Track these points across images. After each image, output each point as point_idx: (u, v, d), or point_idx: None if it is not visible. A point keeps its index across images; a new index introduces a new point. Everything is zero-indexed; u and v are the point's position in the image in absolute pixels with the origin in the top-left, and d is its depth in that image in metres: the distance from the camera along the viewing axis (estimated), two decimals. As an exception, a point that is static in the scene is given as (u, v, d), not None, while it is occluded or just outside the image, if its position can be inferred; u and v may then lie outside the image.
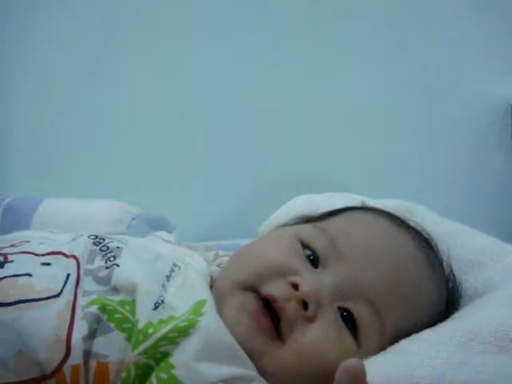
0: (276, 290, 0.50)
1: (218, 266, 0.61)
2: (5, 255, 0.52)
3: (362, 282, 0.52)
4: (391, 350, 0.51)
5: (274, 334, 0.50)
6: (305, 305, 0.50)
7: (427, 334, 0.52)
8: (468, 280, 0.61)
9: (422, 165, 1.30)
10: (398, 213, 0.63)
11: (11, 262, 0.51)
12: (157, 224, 0.79)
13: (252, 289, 0.51)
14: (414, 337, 0.52)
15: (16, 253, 0.53)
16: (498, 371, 0.46)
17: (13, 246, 0.55)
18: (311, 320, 0.50)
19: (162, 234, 0.68)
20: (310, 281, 0.51)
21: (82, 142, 1.26)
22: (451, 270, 0.61)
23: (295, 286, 0.50)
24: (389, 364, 0.49)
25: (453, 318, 0.54)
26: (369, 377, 0.46)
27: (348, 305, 0.52)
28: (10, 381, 0.45)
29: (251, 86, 1.27)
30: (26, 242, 0.56)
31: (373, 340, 0.52)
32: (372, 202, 0.69)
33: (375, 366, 0.48)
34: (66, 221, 0.74)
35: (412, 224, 0.62)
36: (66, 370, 0.45)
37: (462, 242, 0.65)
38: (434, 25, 1.29)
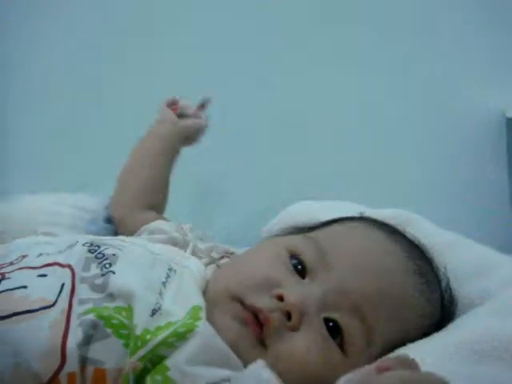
0: (261, 302, 0.51)
1: (217, 264, 0.61)
2: (2, 274, 0.52)
3: (349, 292, 0.52)
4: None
5: (258, 340, 0.50)
6: (289, 316, 0.50)
7: (422, 343, 0.52)
8: (464, 290, 0.61)
9: (418, 176, 1.31)
10: (396, 222, 0.63)
11: (8, 278, 0.51)
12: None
13: (238, 300, 0.52)
14: (410, 346, 0.52)
15: (14, 270, 0.53)
16: (493, 381, 0.46)
17: (11, 264, 0.54)
18: (294, 330, 0.50)
19: (167, 226, 0.68)
20: (295, 292, 0.51)
21: (82, 142, 1.26)
22: (448, 282, 0.61)
23: (280, 298, 0.51)
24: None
25: (448, 328, 0.55)
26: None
27: (335, 315, 0.52)
28: None
29: (253, 93, 1.28)
30: (24, 256, 0.55)
31: (360, 351, 0.51)
32: (370, 212, 0.69)
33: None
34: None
35: (408, 235, 0.61)
36: (62, 378, 0.45)
37: (459, 253, 0.65)
38: (431, 38, 1.31)
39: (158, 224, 0.69)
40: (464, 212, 1.27)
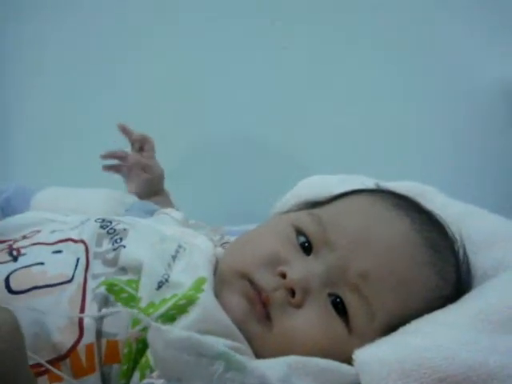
0: (265, 280, 0.52)
1: (223, 246, 0.62)
2: (18, 249, 0.53)
3: (351, 269, 0.53)
4: (402, 330, 0.51)
5: (264, 318, 0.51)
6: (293, 293, 0.51)
7: (438, 314, 0.52)
8: (478, 261, 0.61)
9: (428, 148, 1.30)
10: (409, 195, 0.62)
11: (24, 254, 0.53)
12: (153, 212, 0.80)
13: (246, 277, 0.52)
14: (426, 317, 0.52)
15: (28, 245, 0.54)
16: (509, 351, 0.45)
17: (24, 237, 0.56)
18: (299, 306, 0.51)
19: (171, 211, 0.70)
20: (299, 269, 0.52)
21: (82, 138, 1.27)
22: (465, 253, 0.60)
23: (283, 276, 0.52)
24: (399, 345, 0.48)
25: (464, 299, 0.54)
26: (380, 357, 0.47)
27: (338, 291, 0.52)
28: None
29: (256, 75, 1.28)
30: (38, 231, 0.57)
31: (364, 326, 0.52)
32: (383, 185, 0.69)
33: (385, 347, 0.49)
34: None
35: (422, 206, 0.61)
36: (80, 349, 0.47)
37: (472, 223, 0.64)
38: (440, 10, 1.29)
39: (169, 211, 0.72)
40: (474, 181, 1.26)
